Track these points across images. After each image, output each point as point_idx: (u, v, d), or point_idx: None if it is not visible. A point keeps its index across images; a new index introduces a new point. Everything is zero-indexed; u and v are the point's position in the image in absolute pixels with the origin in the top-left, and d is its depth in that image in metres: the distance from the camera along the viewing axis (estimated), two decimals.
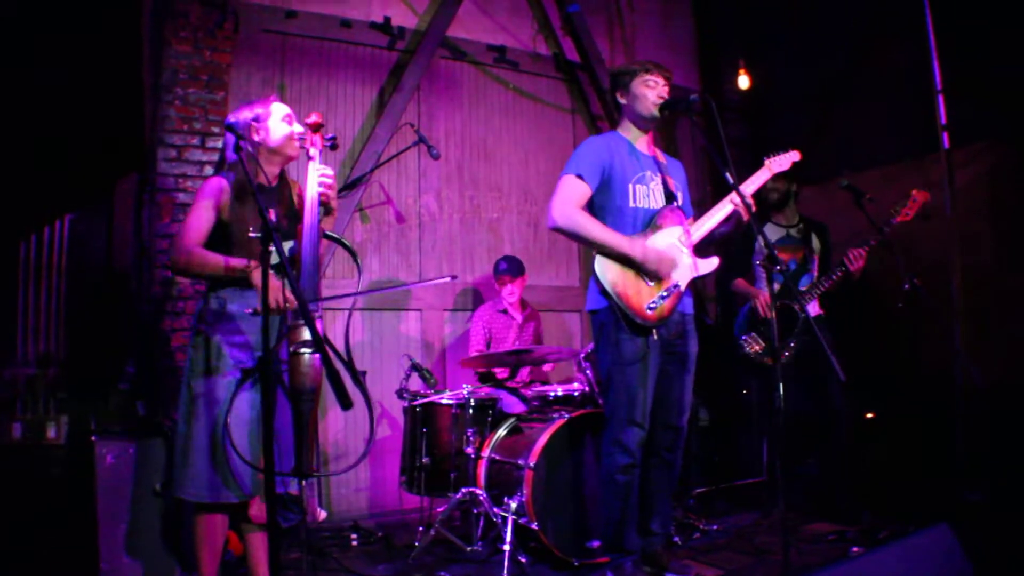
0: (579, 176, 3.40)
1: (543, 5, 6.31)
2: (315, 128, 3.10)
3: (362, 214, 5.38)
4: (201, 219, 2.95)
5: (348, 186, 4.98)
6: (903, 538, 2.72)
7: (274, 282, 2.72)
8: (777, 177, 4.34)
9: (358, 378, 2.94)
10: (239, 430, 2.82)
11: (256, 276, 2.80)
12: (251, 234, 2.51)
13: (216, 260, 2.89)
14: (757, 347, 4.43)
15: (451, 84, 5.89)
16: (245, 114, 3.12)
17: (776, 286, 4.39)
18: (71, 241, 5.20)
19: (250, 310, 2.70)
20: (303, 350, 2.75)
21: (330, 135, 3.14)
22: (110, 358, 4.64)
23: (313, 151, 3.07)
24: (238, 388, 2.82)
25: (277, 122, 3.10)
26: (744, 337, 4.49)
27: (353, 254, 3.16)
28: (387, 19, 5.53)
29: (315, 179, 3.01)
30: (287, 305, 2.79)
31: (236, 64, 4.93)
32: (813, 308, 4.44)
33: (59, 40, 4.83)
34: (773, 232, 4.65)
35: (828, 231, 4.74)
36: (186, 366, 3.01)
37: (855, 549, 3.79)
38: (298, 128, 3.10)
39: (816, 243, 4.64)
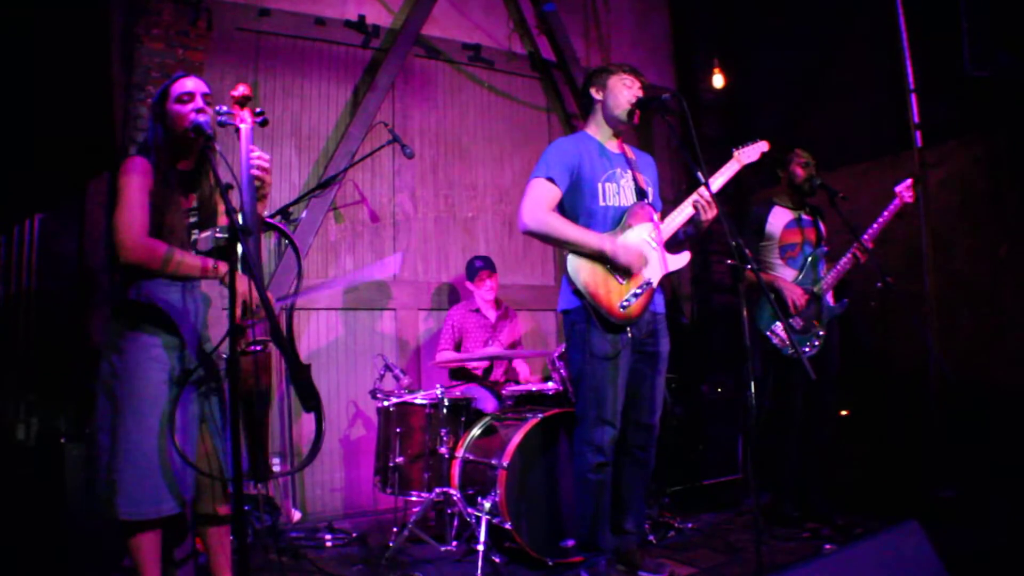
0: (549, 179, 3.40)
1: (518, 4, 6.30)
2: (242, 102, 2.77)
3: (336, 213, 5.35)
4: (145, 204, 2.62)
5: (322, 185, 4.95)
6: (874, 535, 2.74)
7: (240, 279, 2.53)
8: (810, 165, 4.38)
9: (307, 373, 2.77)
10: (179, 436, 2.60)
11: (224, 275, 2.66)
12: (217, 234, 2.46)
13: (192, 261, 2.66)
14: (786, 339, 4.21)
15: (426, 83, 5.87)
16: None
17: (793, 272, 4.37)
18: (42, 240, 5.14)
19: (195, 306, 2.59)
20: (252, 349, 2.60)
21: (259, 109, 2.79)
22: (81, 359, 4.59)
23: (243, 126, 2.75)
24: (180, 391, 2.61)
25: (172, 104, 2.76)
26: (773, 327, 4.27)
27: (292, 243, 3.02)
28: (361, 17, 5.51)
29: (246, 158, 2.70)
30: (256, 306, 2.59)
31: (209, 63, 4.90)
32: (829, 298, 4.35)
33: (29, 38, 4.77)
34: (785, 215, 4.45)
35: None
36: (103, 369, 2.67)
37: (828, 546, 3.81)
38: (194, 107, 2.73)
39: (823, 226, 4.52)
